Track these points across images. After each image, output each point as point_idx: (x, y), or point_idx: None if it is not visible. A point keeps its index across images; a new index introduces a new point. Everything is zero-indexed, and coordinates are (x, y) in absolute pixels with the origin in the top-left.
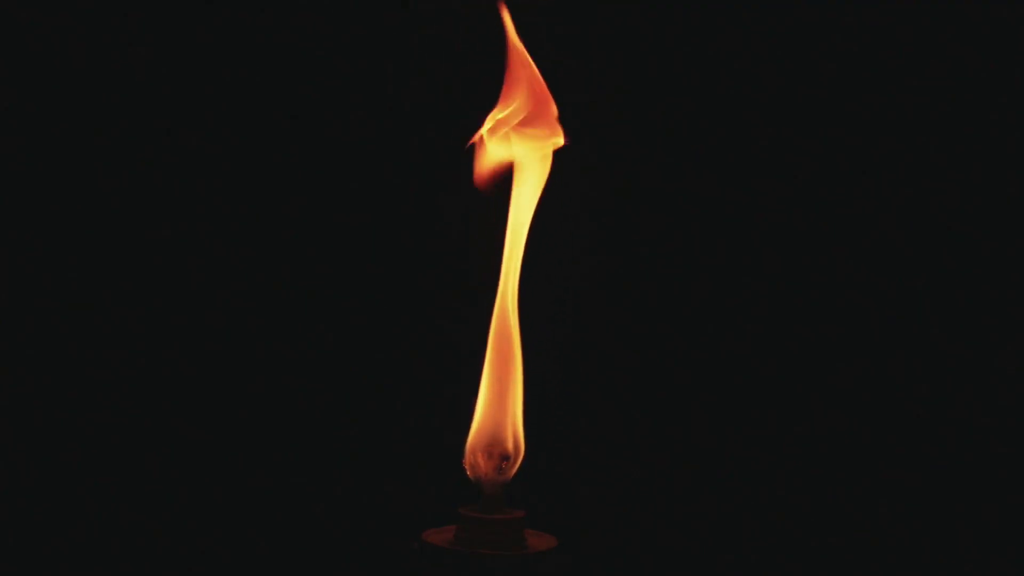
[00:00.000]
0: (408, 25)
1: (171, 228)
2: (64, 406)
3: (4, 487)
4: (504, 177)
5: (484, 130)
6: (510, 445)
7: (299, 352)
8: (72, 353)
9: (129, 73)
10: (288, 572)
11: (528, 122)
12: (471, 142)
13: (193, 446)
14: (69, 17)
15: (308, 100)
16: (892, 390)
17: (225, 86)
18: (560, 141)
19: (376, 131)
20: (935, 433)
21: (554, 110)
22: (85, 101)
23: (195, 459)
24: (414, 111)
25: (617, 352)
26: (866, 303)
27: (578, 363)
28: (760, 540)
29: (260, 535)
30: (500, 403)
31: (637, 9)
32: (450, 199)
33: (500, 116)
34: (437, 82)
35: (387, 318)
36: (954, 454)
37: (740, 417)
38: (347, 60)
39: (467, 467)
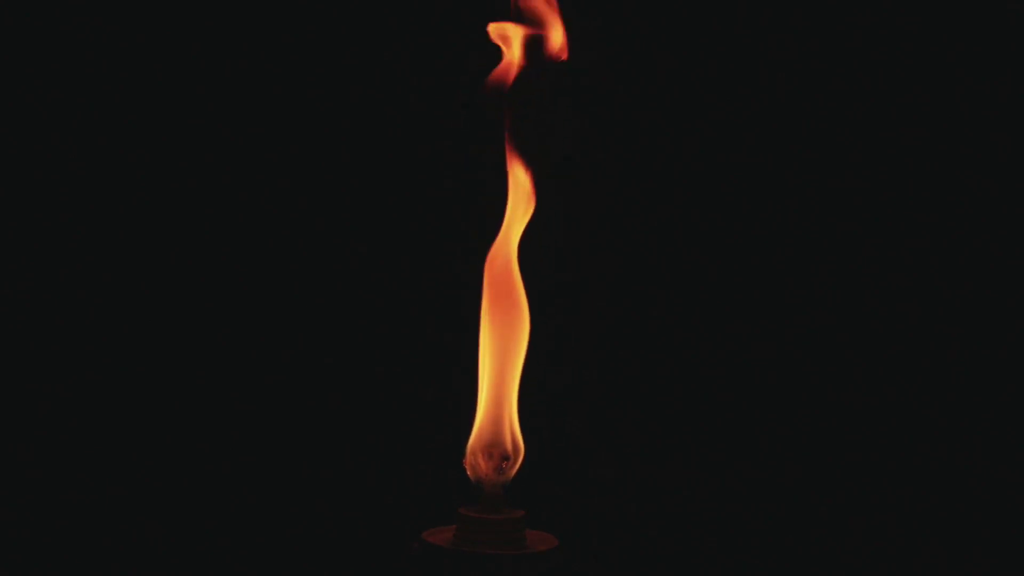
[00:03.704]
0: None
1: (170, 229)
2: (84, 406)
3: (4, 487)
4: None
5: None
6: (510, 446)
7: (300, 354)
8: (92, 354)
9: (137, 75)
10: (288, 572)
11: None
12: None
13: (194, 447)
14: (68, 17)
15: (304, 100)
16: (892, 391)
17: (218, 84)
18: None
19: (374, 127)
20: (935, 433)
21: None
22: (85, 101)
23: (196, 460)
24: (412, 109)
25: (617, 353)
26: (866, 304)
27: (578, 364)
28: (760, 540)
29: (260, 535)
30: (500, 404)
31: (646, 7)
32: (450, 201)
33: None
34: (435, 80)
35: (387, 320)
36: (953, 454)
37: (740, 417)
38: (342, 60)
39: (467, 468)
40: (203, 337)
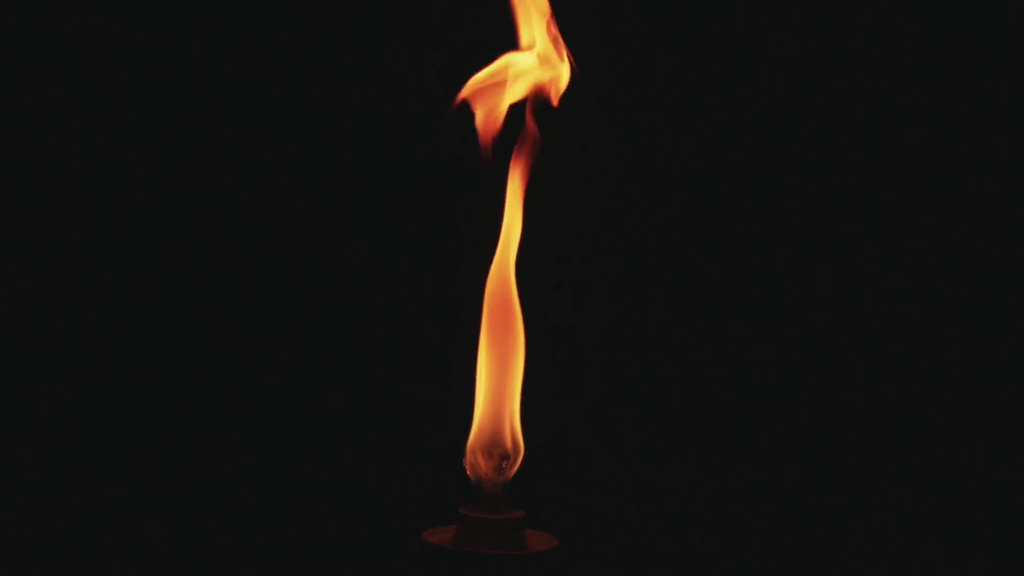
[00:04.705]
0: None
1: (170, 229)
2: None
3: (4, 487)
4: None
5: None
6: (510, 445)
7: (300, 353)
8: (93, 354)
9: (137, 75)
10: (288, 572)
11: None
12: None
13: (194, 447)
14: (68, 16)
15: (304, 100)
16: (892, 391)
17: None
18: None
19: (374, 127)
20: (935, 433)
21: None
22: (85, 101)
23: (196, 460)
24: (409, 107)
25: (617, 352)
26: (866, 304)
27: (578, 363)
28: (760, 540)
29: (260, 535)
30: (499, 403)
31: (646, 6)
32: (450, 201)
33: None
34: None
35: (387, 319)
36: (953, 454)
37: (740, 417)
38: (342, 60)
39: (467, 467)
40: (203, 337)
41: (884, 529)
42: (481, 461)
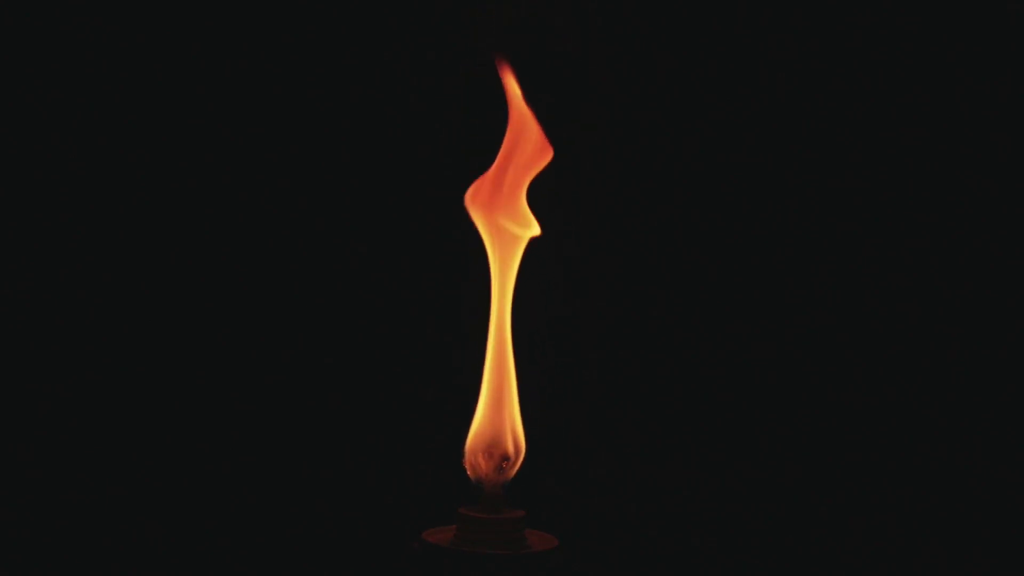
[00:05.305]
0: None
1: (170, 229)
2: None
3: (4, 487)
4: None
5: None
6: (510, 446)
7: (301, 354)
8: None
9: (138, 76)
10: (288, 572)
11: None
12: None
13: (194, 447)
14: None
15: (304, 100)
16: (892, 391)
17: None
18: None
19: (374, 127)
20: (935, 433)
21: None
22: (85, 101)
23: (196, 460)
24: (412, 114)
25: (617, 353)
26: (866, 304)
27: (578, 364)
28: (760, 540)
29: (260, 535)
30: (500, 403)
31: (646, 8)
32: (450, 201)
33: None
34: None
35: (387, 320)
36: (953, 454)
37: (740, 417)
38: (342, 60)
39: (467, 468)
40: (203, 337)
41: (884, 529)
42: (481, 461)
